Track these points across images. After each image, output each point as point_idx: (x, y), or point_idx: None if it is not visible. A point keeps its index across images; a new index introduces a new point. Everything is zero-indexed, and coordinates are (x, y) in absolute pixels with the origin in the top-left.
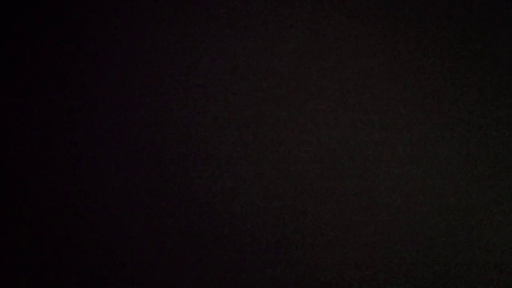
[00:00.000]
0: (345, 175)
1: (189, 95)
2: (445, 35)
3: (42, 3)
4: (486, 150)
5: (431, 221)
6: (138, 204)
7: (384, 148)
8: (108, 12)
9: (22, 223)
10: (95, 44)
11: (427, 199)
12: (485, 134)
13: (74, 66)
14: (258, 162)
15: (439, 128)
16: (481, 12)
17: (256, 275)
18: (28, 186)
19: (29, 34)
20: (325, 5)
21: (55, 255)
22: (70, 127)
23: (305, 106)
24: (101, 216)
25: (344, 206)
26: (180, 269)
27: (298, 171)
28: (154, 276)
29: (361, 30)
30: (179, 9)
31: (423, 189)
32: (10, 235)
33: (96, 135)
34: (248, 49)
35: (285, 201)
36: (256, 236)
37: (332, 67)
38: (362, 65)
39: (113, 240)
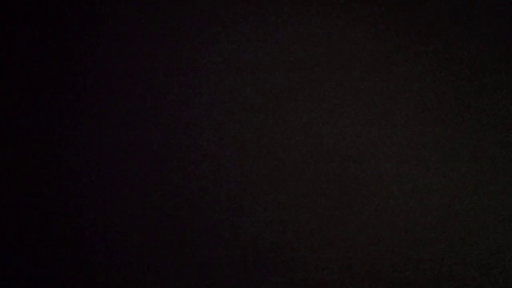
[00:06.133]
0: (344, 175)
1: (189, 95)
2: (444, 35)
3: (43, 4)
4: (486, 150)
5: (430, 221)
6: (138, 204)
7: (382, 149)
8: (108, 13)
9: (22, 223)
10: (96, 44)
11: (425, 199)
12: (484, 134)
13: (75, 66)
14: (257, 162)
15: (438, 128)
16: (481, 12)
17: (253, 276)
18: (28, 185)
19: (30, 34)
20: (324, 6)
21: (55, 255)
22: (70, 127)
23: (303, 107)
24: (101, 215)
25: (343, 206)
26: (178, 268)
27: (296, 171)
28: (151, 276)
29: (359, 30)
30: (179, 9)
31: (422, 189)
32: (10, 235)
33: (96, 135)
34: (247, 51)
35: (282, 201)
36: (254, 236)
37: (330, 68)
38: (361, 66)
39: (112, 240)
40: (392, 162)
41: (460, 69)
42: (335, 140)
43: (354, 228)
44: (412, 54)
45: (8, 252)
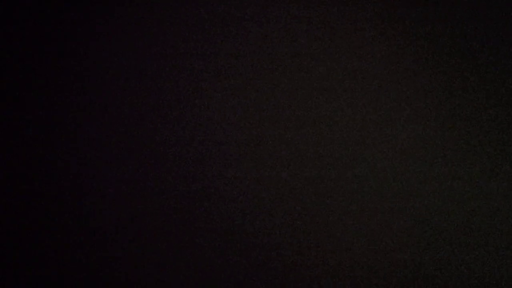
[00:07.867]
0: (345, 175)
1: (190, 95)
2: (444, 35)
3: (43, 3)
4: (486, 150)
5: (430, 221)
6: (138, 205)
7: (382, 149)
8: (108, 13)
9: (22, 223)
10: (96, 44)
11: (425, 200)
12: (484, 133)
13: (75, 66)
14: (257, 162)
15: (439, 129)
16: (481, 12)
17: (257, 275)
18: (28, 185)
19: (30, 34)
20: (324, 6)
21: (55, 255)
22: (71, 126)
23: (304, 107)
24: (100, 215)
25: (343, 206)
26: (181, 268)
27: (297, 171)
28: (154, 276)
29: (359, 30)
30: (179, 9)
31: (422, 189)
32: (10, 235)
33: (96, 135)
34: (248, 50)
35: (282, 201)
36: (255, 236)
37: (331, 68)
38: (362, 66)
39: (115, 240)
40: (392, 162)
41: (461, 69)
42: (335, 140)
43: (354, 228)
44: (413, 54)
45: (8, 252)
